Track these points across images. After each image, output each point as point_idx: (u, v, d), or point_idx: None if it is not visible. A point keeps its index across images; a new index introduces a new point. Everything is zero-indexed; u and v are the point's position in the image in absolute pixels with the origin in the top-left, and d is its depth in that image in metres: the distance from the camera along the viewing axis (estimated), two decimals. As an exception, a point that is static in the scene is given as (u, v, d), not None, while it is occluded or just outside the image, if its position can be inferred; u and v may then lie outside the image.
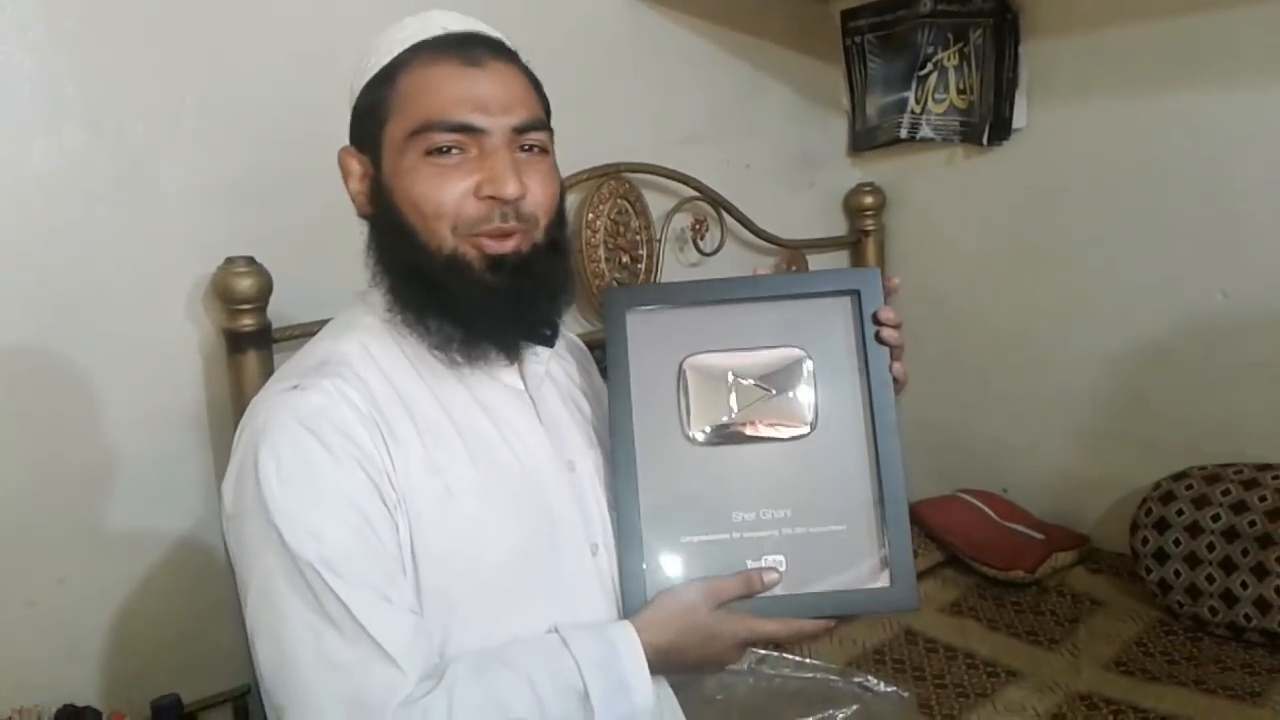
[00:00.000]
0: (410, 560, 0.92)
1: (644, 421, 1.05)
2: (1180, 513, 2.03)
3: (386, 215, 0.98)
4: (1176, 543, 2.01)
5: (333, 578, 0.85)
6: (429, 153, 0.94)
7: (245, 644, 0.90)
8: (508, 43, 1.02)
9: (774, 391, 1.06)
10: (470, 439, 0.99)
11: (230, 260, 1.61)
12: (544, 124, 1.00)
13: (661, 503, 1.03)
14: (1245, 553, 1.92)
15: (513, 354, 1.03)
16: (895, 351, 1.08)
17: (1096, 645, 1.94)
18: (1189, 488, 2.05)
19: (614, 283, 2.18)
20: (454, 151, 0.95)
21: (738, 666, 1.69)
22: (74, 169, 1.54)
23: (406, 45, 0.97)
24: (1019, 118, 2.42)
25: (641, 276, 2.24)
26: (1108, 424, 2.37)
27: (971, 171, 2.55)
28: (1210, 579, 1.95)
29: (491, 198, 0.94)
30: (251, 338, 1.63)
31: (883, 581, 1.03)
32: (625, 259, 2.22)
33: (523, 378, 1.06)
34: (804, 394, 1.06)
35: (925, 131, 2.59)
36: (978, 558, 2.27)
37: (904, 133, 2.63)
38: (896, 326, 1.07)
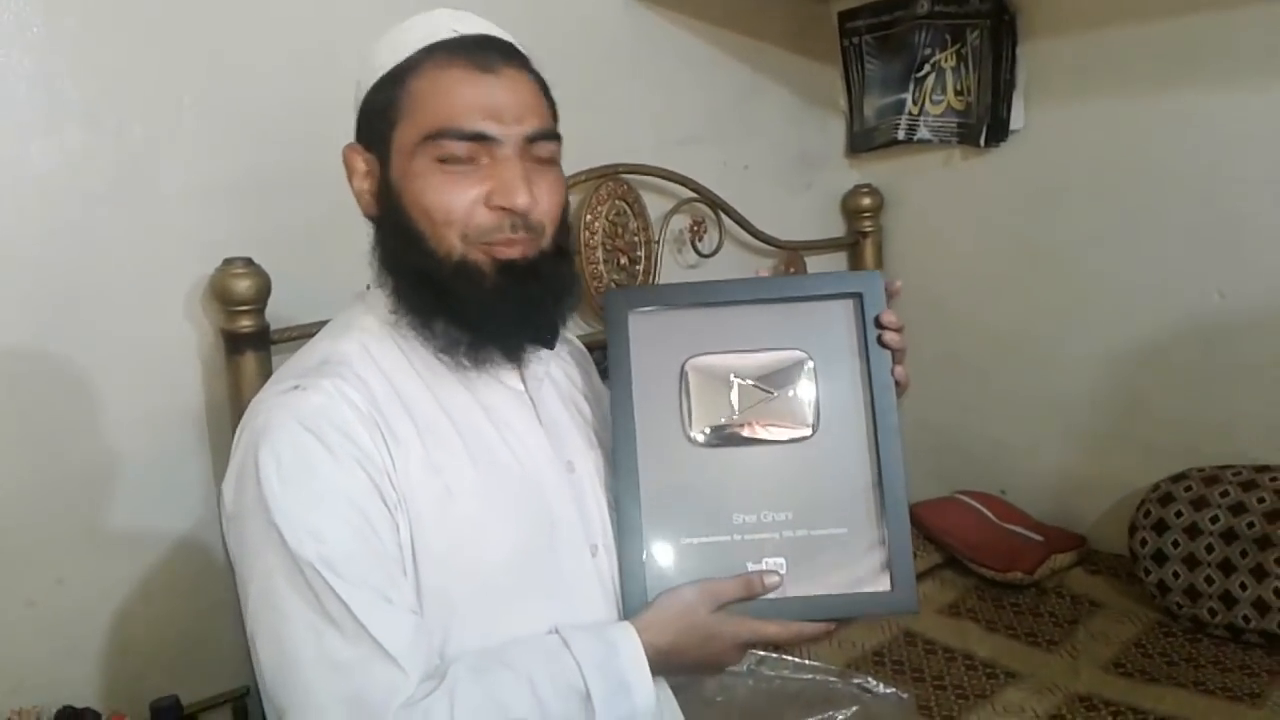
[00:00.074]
0: (410, 560, 0.92)
1: (645, 422, 1.05)
2: (1179, 514, 2.03)
3: (394, 218, 0.97)
4: (1175, 544, 2.01)
5: (333, 577, 0.85)
6: (440, 159, 0.94)
7: (245, 645, 0.90)
8: (519, 46, 1.01)
9: (775, 393, 1.06)
10: (470, 439, 0.99)
11: (229, 261, 1.61)
12: (554, 133, 1.00)
13: (662, 504, 1.03)
14: (1244, 554, 1.92)
15: (516, 358, 1.03)
16: (897, 355, 1.08)
17: (1095, 647, 1.95)
18: (1188, 489, 2.05)
19: (612, 284, 2.18)
20: (466, 159, 0.95)
21: (737, 668, 1.69)
22: (73, 169, 1.54)
23: (418, 46, 0.97)
24: (1016, 119, 2.42)
25: (640, 278, 2.24)
26: (1106, 425, 2.38)
27: (969, 173, 2.56)
28: (1209, 580, 1.95)
29: (502, 208, 0.95)
30: (250, 339, 1.63)
31: (883, 585, 1.03)
32: (624, 260, 2.22)
33: (523, 379, 1.06)
34: (805, 396, 1.06)
35: (923, 133, 2.60)
36: (976, 559, 2.27)
37: (902, 134, 2.63)
38: (899, 330, 1.08)
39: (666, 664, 0.97)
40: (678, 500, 1.04)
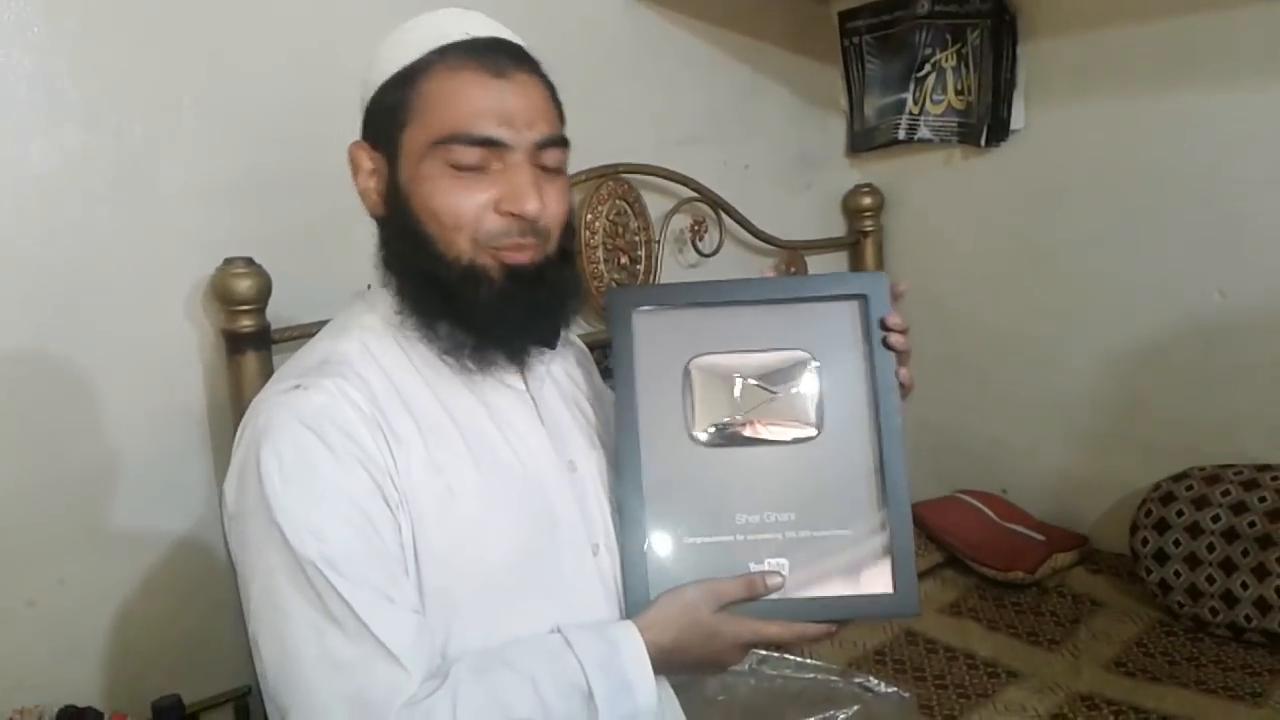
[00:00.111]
0: (412, 560, 0.92)
1: (649, 421, 1.05)
2: (1180, 513, 2.03)
3: (402, 220, 0.97)
4: (1176, 543, 2.01)
5: (335, 577, 0.85)
6: (451, 164, 0.94)
7: (246, 644, 0.90)
8: (528, 49, 1.01)
9: (779, 394, 1.06)
10: (472, 439, 0.99)
11: (229, 261, 1.61)
12: (563, 139, 1.00)
13: (665, 503, 1.03)
14: (1245, 553, 1.92)
15: (520, 361, 1.03)
16: (902, 357, 1.08)
17: (1097, 646, 1.95)
18: (1189, 488, 2.05)
19: (613, 283, 2.18)
20: (477, 164, 0.94)
21: (739, 667, 1.69)
22: (73, 169, 1.54)
23: (429, 47, 0.96)
24: (1017, 119, 2.42)
25: (640, 277, 2.24)
26: (1107, 424, 2.38)
27: (970, 172, 2.56)
28: (1210, 580, 1.95)
29: (511, 214, 0.95)
30: (251, 339, 1.63)
31: (885, 588, 1.03)
32: (624, 260, 2.22)
33: (524, 378, 1.06)
34: (810, 397, 1.06)
35: (923, 132, 2.60)
36: (977, 558, 2.27)
37: (902, 134, 2.63)
38: (904, 332, 1.07)
39: (668, 663, 0.97)
40: (680, 499, 1.04)
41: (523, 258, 0.96)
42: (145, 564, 1.63)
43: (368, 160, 1.00)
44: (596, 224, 2.16)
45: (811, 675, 1.81)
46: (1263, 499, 1.95)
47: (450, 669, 0.88)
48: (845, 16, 2.68)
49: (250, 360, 1.62)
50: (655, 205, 2.29)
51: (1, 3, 1.47)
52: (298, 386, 0.92)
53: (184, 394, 1.66)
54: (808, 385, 1.06)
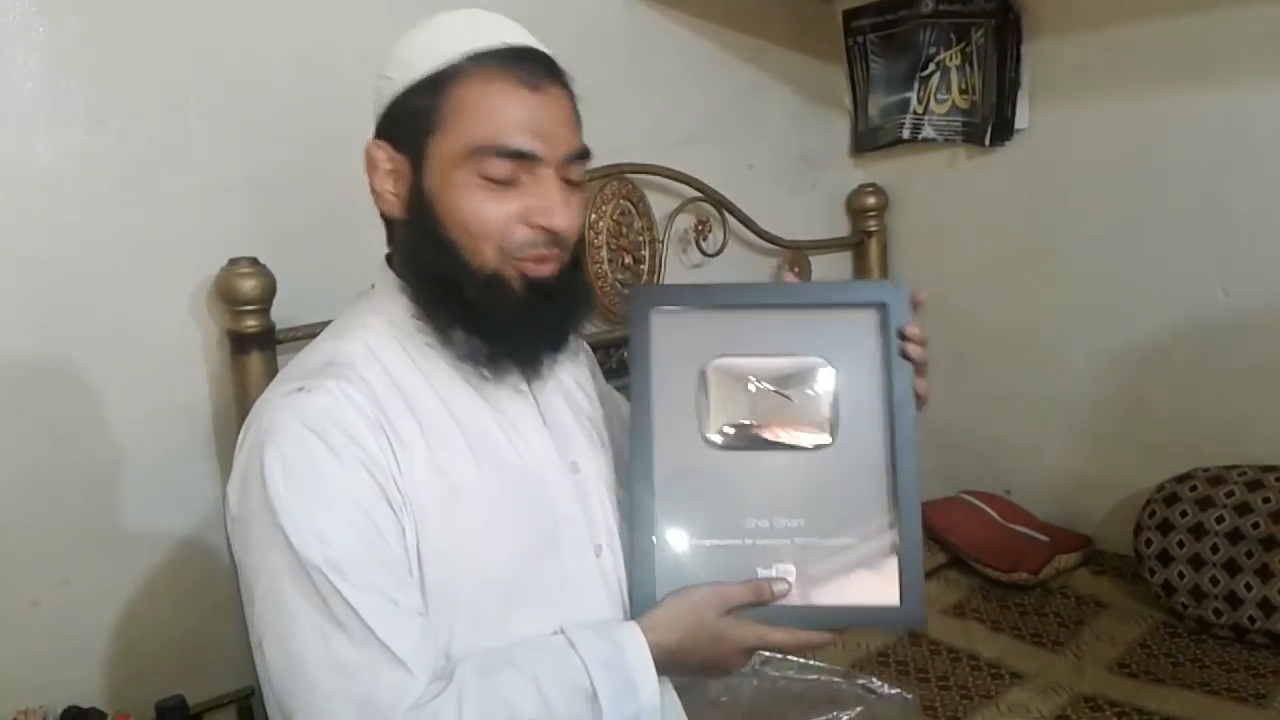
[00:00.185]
0: (415, 561, 0.91)
1: (663, 420, 1.05)
2: (1184, 514, 2.02)
3: (425, 225, 0.96)
4: (1180, 544, 2.01)
5: (339, 580, 0.85)
6: (483, 174, 0.94)
7: (249, 645, 0.90)
8: (556, 60, 1.00)
9: (795, 400, 1.06)
10: (474, 440, 0.98)
11: (234, 261, 1.61)
12: (587, 153, 1.01)
13: (676, 504, 1.03)
14: (1249, 554, 1.92)
15: (534, 370, 1.03)
16: (919, 368, 1.08)
17: (1100, 647, 1.94)
18: (1193, 489, 2.05)
19: (617, 283, 2.18)
20: (508, 176, 0.94)
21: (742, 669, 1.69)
22: (76, 169, 1.54)
23: (462, 53, 0.94)
24: (1021, 118, 2.42)
25: (644, 278, 2.24)
26: (1111, 425, 2.37)
27: (974, 172, 2.55)
28: (1214, 581, 1.95)
29: (541, 226, 0.95)
30: (255, 339, 1.63)
31: (892, 600, 1.02)
32: (628, 260, 2.22)
33: (527, 379, 1.06)
34: (825, 404, 1.06)
35: (927, 132, 2.59)
36: (981, 559, 2.27)
37: (906, 133, 2.62)
38: (922, 343, 1.07)
39: (672, 664, 0.97)
40: (691, 500, 1.03)
41: (545, 270, 0.97)
42: (149, 564, 1.63)
43: (386, 160, 0.98)
44: (601, 224, 2.16)
45: (815, 677, 1.81)
46: (1267, 500, 1.94)
47: (454, 670, 0.88)
48: (850, 15, 2.68)
49: (255, 361, 1.62)
50: (659, 205, 2.29)
51: (5, 3, 1.47)
52: (301, 389, 0.92)
53: (188, 394, 1.66)
54: (823, 392, 1.06)
